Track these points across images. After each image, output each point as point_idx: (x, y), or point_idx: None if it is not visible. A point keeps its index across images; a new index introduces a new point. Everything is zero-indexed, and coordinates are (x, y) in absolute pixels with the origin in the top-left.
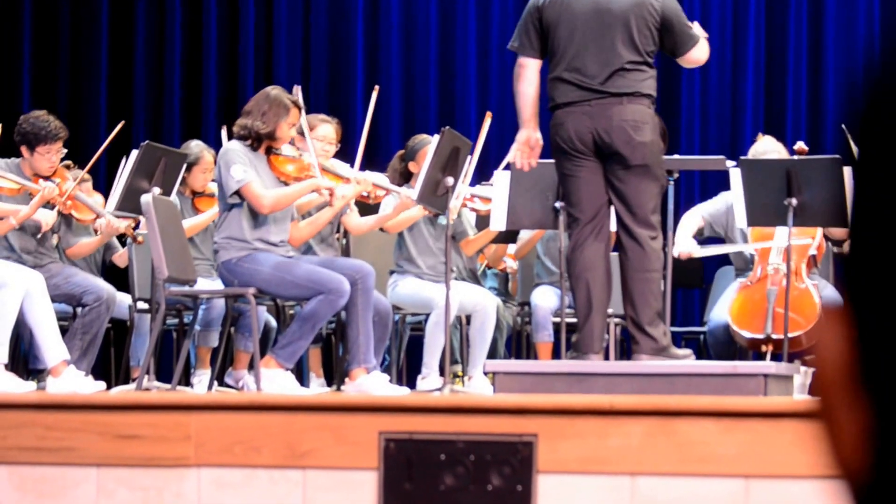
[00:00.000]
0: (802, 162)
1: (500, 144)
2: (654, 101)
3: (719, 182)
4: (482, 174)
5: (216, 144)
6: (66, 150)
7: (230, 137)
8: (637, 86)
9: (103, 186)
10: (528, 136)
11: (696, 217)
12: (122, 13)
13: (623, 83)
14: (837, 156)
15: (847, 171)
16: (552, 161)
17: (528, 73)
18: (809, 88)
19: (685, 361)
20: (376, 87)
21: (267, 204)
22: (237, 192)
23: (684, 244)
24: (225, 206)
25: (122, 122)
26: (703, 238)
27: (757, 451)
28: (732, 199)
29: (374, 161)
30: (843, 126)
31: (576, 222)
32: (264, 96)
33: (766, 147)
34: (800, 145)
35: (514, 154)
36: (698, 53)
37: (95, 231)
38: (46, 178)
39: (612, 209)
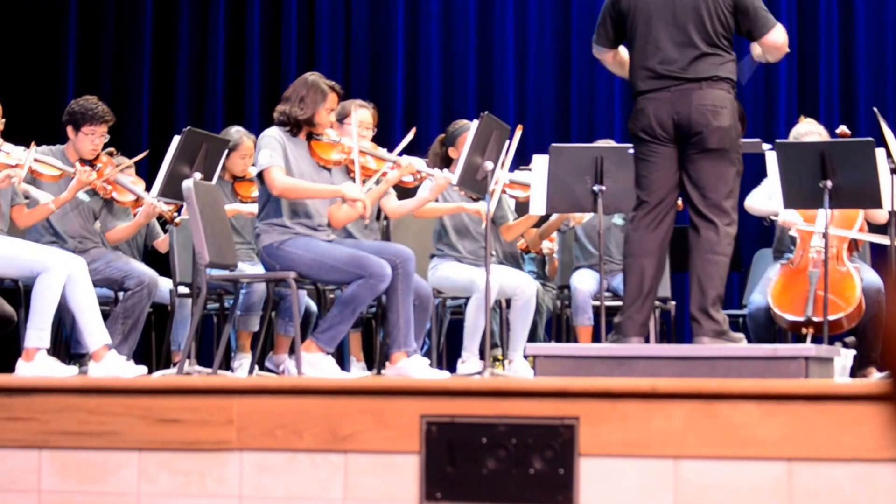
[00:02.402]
0: (836, 144)
1: (537, 129)
2: (733, 85)
3: (754, 165)
4: (521, 158)
5: (259, 131)
6: (108, 137)
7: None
8: (716, 70)
9: (145, 173)
10: None
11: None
12: (166, 1)
13: (702, 68)
14: (870, 138)
15: (880, 153)
16: (589, 145)
17: (606, 62)
18: (841, 71)
19: (739, 344)
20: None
21: (277, 186)
22: (260, 176)
23: (790, 214)
24: (265, 192)
25: (147, 151)
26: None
27: (799, 434)
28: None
29: (413, 146)
30: (875, 109)
31: (641, 205)
32: (302, 82)
33: (807, 129)
34: (842, 129)
35: None
36: (775, 36)
37: (136, 215)
38: (89, 163)
39: (681, 198)
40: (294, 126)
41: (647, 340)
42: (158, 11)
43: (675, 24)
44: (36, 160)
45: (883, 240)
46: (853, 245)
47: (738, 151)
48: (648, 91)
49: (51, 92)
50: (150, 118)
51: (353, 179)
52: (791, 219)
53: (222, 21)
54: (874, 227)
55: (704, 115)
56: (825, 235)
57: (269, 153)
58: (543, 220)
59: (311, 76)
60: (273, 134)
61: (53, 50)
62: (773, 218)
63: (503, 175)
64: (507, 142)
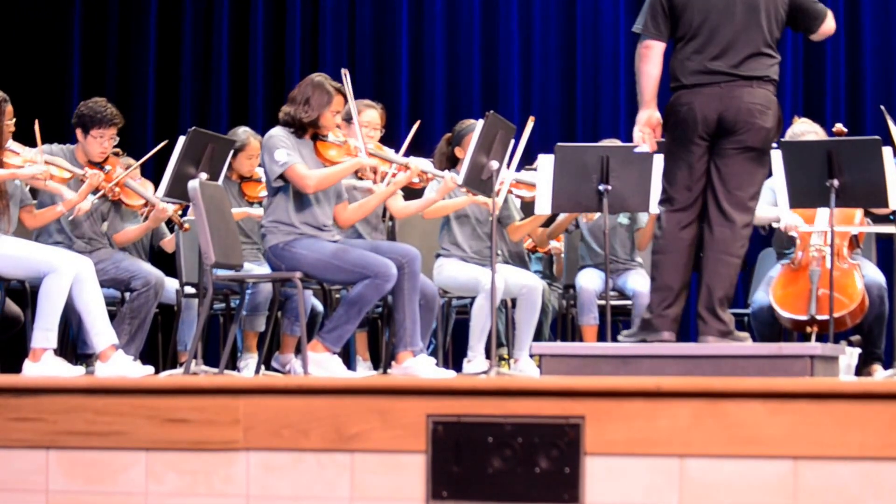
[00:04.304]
0: (842, 143)
1: (543, 129)
2: (777, 87)
3: None
4: (526, 158)
5: (263, 131)
6: (118, 139)
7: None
8: (766, 70)
9: (151, 174)
10: (650, 116)
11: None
12: (170, 1)
13: (755, 67)
14: (877, 136)
15: (886, 151)
16: (595, 145)
17: (654, 54)
18: (848, 70)
19: (744, 343)
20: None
21: (311, 184)
22: (282, 176)
23: (791, 217)
24: (272, 191)
25: (166, 141)
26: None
27: (804, 432)
28: (773, 185)
29: (417, 147)
30: (882, 107)
31: (669, 202)
32: (308, 83)
33: (804, 129)
34: (838, 127)
35: (638, 136)
36: (829, 24)
37: (145, 218)
38: (98, 165)
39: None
40: (299, 127)
41: (693, 338)
42: (162, 11)
43: (736, 21)
44: (47, 162)
45: (887, 228)
46: (854, 242)
47: (769, 154)
48: (696, 85)
49: (56, 92)
50: (155, 119)
51: (361, 179)
52: (793, 222)
53: (226, 21)
54: (877, 218)
55: (752, 114)
56: (831, 233)
57: (285, 151)
58: (552, 219)
59: (318, 77)
60: (280, 134)
61: (58, 50)
62: (774, 225)
63: (509, 174)
64: (513, 142)
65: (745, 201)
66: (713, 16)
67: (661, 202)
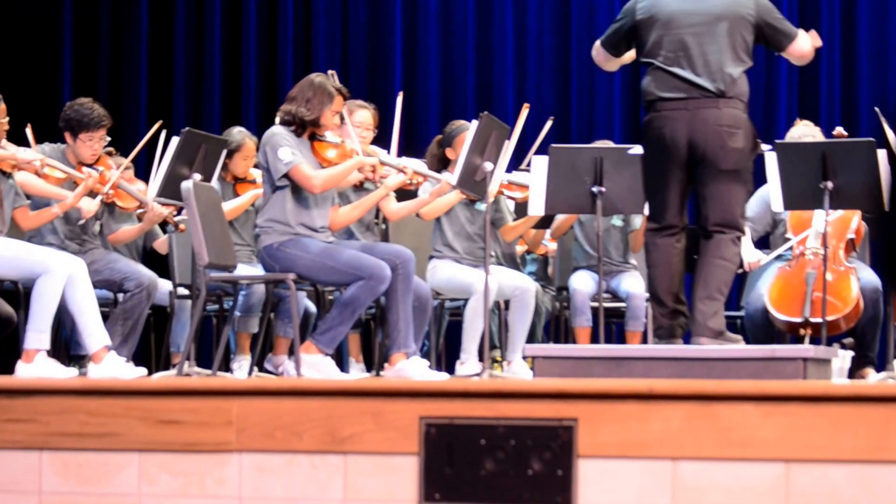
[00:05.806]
0: (837, 145)
1: (537, 129)
2: (747, 104)
3: (755, 166)
4: (518, 159)
5: (256, 131)
6: (108, 139)
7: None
8: (734, 89)
9: (143, 173)
10: None
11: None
12: (162, 2)
13: (721, 84)
14: (871, 139)
15: (881, 154)
16: (589, 146)
17: (598, 61)
18: (843, 72)
19: (737, 345)
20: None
21: (318, 184)
22: (286, 175)
23: (752, 254)
24: (269, 189)
25: (161, 122)
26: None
27: (797, 435)
28: (767, 192)
29: (411, 147)
30: (876, 109)
31: (651, 218)
32: (308, 83)
33: (802, 131)
34: (838, 130)
35: None
36: (800, 46)
37: (139, 218)
38: (89, 166)
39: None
40: (299, 126)
41: (644, 340)
42: (154, 12)
43: (699, 37)
44: (43, 161)
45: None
46: (850, 245)
47: (749, 171)
48: (666, 101)
49: (48, 93)
50: (148, 119)
51: (360, 184)
52: (754, 259)
53: (218, 21)
54: (871, 220)
55: (720, 136)
56: (824, 235)
57: (289, 150)
58: (546, 220)
59: (318, 77)
60: (282, 132)
61: (50, 51)
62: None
63: (502, 175)
64: (507, 141)
65: (736, 218)
66: (677, 33)
67: (648, 218)
